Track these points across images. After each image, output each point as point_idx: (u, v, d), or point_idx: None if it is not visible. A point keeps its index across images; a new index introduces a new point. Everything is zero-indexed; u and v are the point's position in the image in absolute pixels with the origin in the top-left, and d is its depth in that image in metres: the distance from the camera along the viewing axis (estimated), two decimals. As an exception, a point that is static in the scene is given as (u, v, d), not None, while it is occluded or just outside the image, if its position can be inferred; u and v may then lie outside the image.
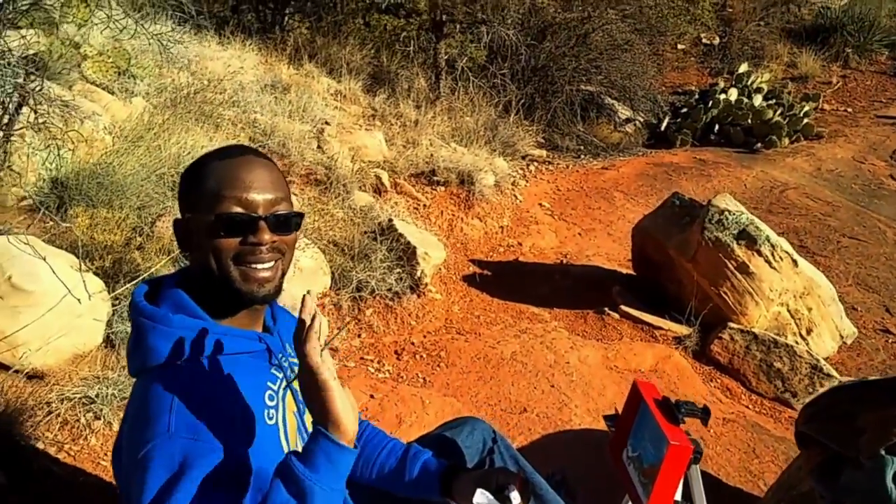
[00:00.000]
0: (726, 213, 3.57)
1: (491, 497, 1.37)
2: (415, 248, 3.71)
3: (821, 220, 6.06)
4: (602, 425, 2.84)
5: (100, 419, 2.20)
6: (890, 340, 4.63)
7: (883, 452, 1.53)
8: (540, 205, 5.53)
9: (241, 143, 1.25)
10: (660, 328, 3.68)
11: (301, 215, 1.25)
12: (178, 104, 3.73)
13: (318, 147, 4.56)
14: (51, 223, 2.44)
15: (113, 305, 2.45)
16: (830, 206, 6.30)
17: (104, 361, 2.40)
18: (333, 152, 4.49)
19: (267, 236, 1.17)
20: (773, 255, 3.53)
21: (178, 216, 1.22)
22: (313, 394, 1.07)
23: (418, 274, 3.64)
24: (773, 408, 3.41)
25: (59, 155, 2.50)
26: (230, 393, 1.16)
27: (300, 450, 1.10)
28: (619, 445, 1.46)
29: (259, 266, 1.18)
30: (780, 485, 1.87)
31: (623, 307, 3.79)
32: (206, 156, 1.22)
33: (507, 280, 4.30)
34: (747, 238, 3.51)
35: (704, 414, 1.31)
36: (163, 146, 3.02)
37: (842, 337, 4.01)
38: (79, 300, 2.27)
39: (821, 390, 3.41)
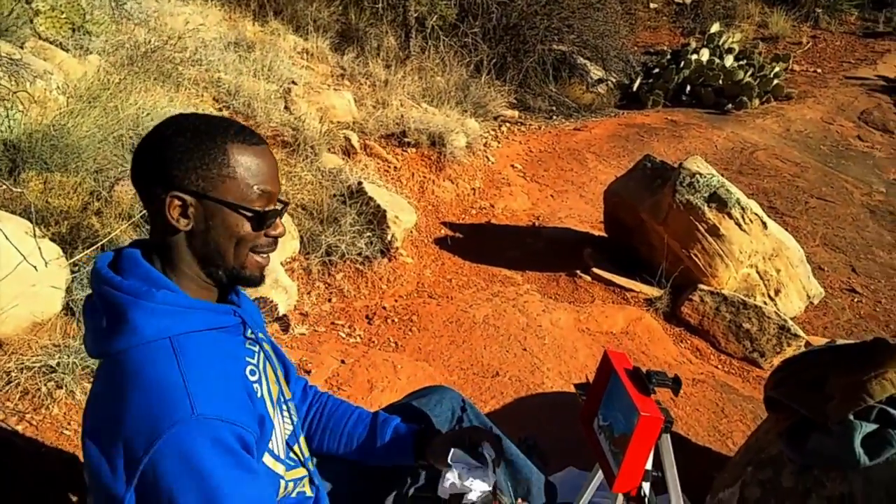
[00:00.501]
0: (697, 175, 3.56)
1: (465, 455, 1.38)
2: (385, 211, 3.65)
3: (789, 182, 6.10)
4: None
5: (62, 388, 2.14)
6: (855, 300, 4.71)
7: (851, 417, 1.54)
8: (512, 166, 5.48)
9: (235, 121, 1.18)
10: (631, 290, 3.69)
11: (287, 204, 1.27)
12: (136, 62, 3.58)
13: (285, 107, 4.44)
14: (3, 188, 2.33)
15: (72, 272, 2.37)
16: (799, 168, 6.35)
17: (64, 329, 2.33)
18: (301, 113, 4.38)
19: (282, 229, 1.22)
20: (743, 217, 3.54)
21: (175, 190, 1.11)
22: None
23: (389, 238, 3.58)
24: (742, 367, 3.45)
25: (9, 116, 2.38)
26: (226, 369, 1.13)
27: (283, 416, 1.22)
28: (590, 414, 1.45)
29: (266, 258, 1.22)
30: (749, 448, 1.89)
31: (595, 270, 3.78)
32: (216, 131, 1.14)
33: (479, 243, 4.27)
34: (718, 201, 3.51)
35: (675, 384, 1.29)
36: (120, 107, 2.90)
37: (809, 297, 4.06)
38: (35, 267, 2.19)
39: (788, 351, 3.46)
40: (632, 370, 1.34)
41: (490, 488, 1.35)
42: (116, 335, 1.08)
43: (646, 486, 1.29)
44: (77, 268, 2.38)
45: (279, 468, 1.22)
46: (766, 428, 1.88)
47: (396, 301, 3.43)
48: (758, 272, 3.75)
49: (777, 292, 3.83)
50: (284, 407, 1.30)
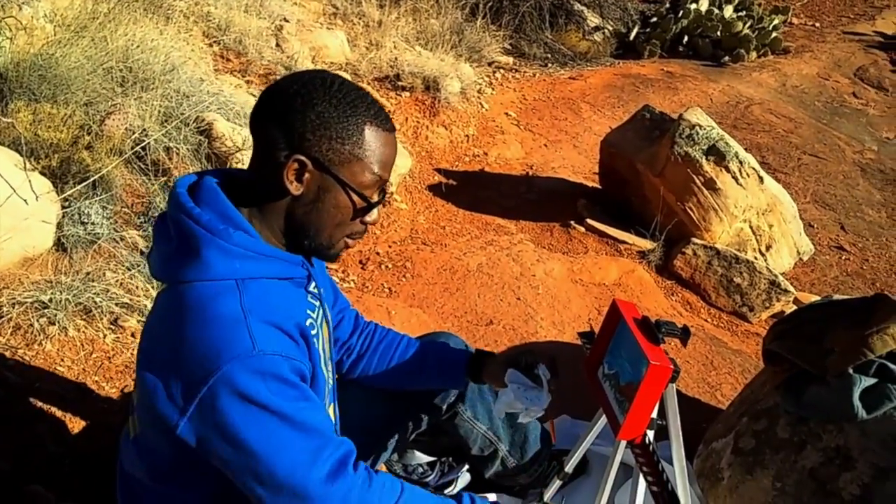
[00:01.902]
0: (697, 127, 3.53)
1: (522, 376, 1.44)
2: (380, 155, 3.59)
3: (783, 137, 6.08)
4: (567, 337, 2.86)
5: (54, 325, 2.11)
6: (843, 257, 4.75)
7: (851, 371, 1.55)
8: (506, 114, 5.40)
9: (375, 99, 1.15)
10: (624, 242, 3.68)
11: None
12: (125, -8, 3.45)
13: (277, 45, 4.32)
14: (-9, 118, 2.26)
15: (63, 207, 2.32)
16: (793, 123, 6.32)
17: (55, 265, 2.29)
18: (293, 51, 4.26)
19: (378, 217, 1.21)
20: (740, 171, 3.52)
21: (301, 154, 1.07)
22: None
23: (383, 182, 3.53)
24: (731, 321, 3.49)
25: (-4, 43, 2.29)
26: (288, 313, 1.12)
27: (329, 372, 1.26)
28: (595, 363, 1.44)
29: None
30: (744, 399, 1.91)
31: (589, 221, 3.77)
32: (360, 107, 1.09)
33: (473, 191, 4.23)
34: (716, 154, 3.48)
35: (684, 334, 1.29)
36: (109, 38, 2.80)
37: (799, 253, 4.09)
38: (25, 201, 2.14)
39: (777, 306, 3.49)
40: (640, 319, 1.33)
41: (544, 408, 1.42)
42: (186, 266, 1.07)
43: (650, 434, 1.30)
44: (68, 203, 2.32)
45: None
46: (761, 380, 1.89)
47: (390, 247, 3.41)
48: (751, 227, 3.75)
49: (768, 248, 3.85)
50: (331, 365, 1.32)
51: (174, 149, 2.74)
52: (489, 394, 1.73)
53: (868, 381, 1.53)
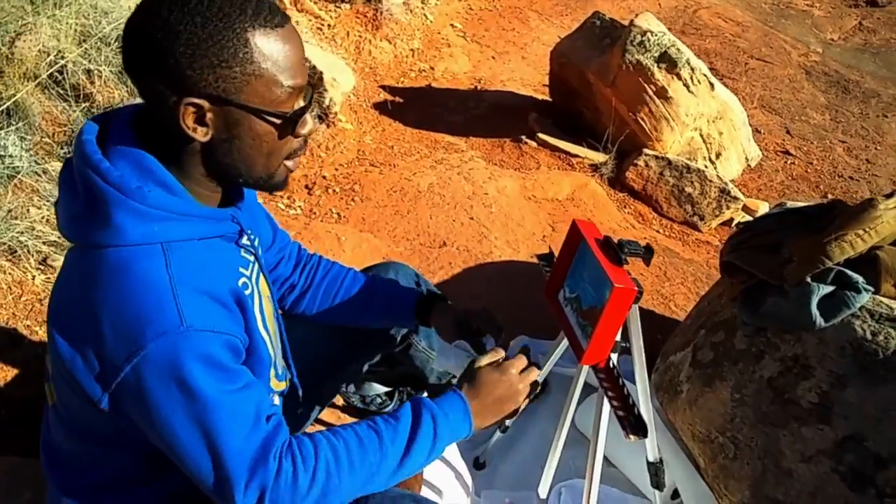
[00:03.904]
0: (649, 34, 3.43)
1: (467, 344, 1.39)
2: (321, 72, 3.41)
3: (731, 42, 6.02)
4: (522, 256, 2.82)
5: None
6: (789, 161, 4.79)
7: (809, 280, 1.54)
8: (451, 25, 5.20)
9: None
10: (577, 156, 3.63)
11: None
12: None
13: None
14: None
15: (-26, 143, 2.13)
16: (741, 27, 6.25)
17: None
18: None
19: (312, 124, 1.04)
20: (691, 78, 3.46)
21: (189, 95, 0.90)
22: (494, 404, 1.15)
23: (327, 102, 3.37)
24: (682, 231, 3.50)
25: None
26: (219, 276, 1.00)
27: (273, 335, 1.14)
28: (556, 286, 1.40)
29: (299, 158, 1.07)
30: (701, 311, 1.91)
31: (540, 135, 3.69)
32: (233, 15, 0.89)
33: (421, 107, 4.08)
34: (668, 61, 3.41)
35: (647, 253, 1.24)
36: (12, -49, 2.52)
37: (747, 160, 4.10)
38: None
39: (726, 214, 3.51)
40: (602, 240, 1.28)
41: None
42: (96, 230, 0.93)
43: (614, 357, 1.27)
44: (-21, 137, 2.14)
45: (280, 386, 1.18)
46: (718, 292, 1.89)
47: (337, 170, 3.28)
48: (701, 135, 3.73)
49: (718, 155, 3.84)
50: (274, 320, 1.20)
51: (95, 71, 2.54)
52: None
53: (826, 289, 1.52)
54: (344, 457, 1.01)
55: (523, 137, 3.72)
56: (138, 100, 0.99)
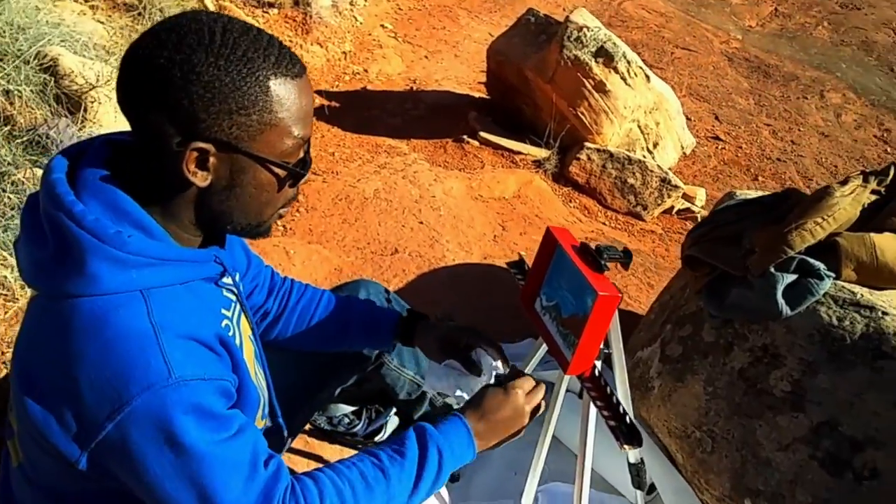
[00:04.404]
0: (585, 29, 3.45)
1: (456, 363, 1.35)
2: (254, 81, 3.30)
3: (656, 32, 6.15)
4: (475, 258, 2.80)
5: None
6: (720, 147, 4.92)
7: (772, 270, 1.56)
8: (382, 26, 5.13)
9: (271, 36, 0.89)
10: (520, 153, 3.63)
11: None
12: None
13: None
14: None
15: None
16: (664, 17, 6.40)
17: None
18: (140, -30, 3.79)
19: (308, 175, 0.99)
20: (628, 71, 3.50)
21: (198, 140, 0.84)
22: (499, 425, 1.12)
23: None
24: (627, 222, 3.55)
25: None
26: (203, 320, 0.93)
27: (257, 377, 1.07)
28: (531, 294, 1.37)
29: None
30: (664, 305, 1.92)
31: (482, 134, 3.67)
32: (257, 59, 0.84)
33: (358, 111, 4.01)
34: (605, 55, 3.43)
35: (626, 257, 1.23)
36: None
37: (682, 148, 4.19)
38: None
39: (668, 202, 3.58)
40: (579, 246, 1.26)
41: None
42: (68, 278, 0.84)
43: (598, 364, 1.25)
44: None
45: (261, 424, 1.11)
46: (679, 285, 1.90)
47: (278, 180, 3.18)
48: (639, 126, 3.78)
49: (655, 145, 3.90)
50: (261, 365, 1.14)
51: (15, 91, 2.38)
52: None
53: (789, 278, 1.54)
54: (350, 501, 0.96)
55: (465, 137, 3.69)
56: (92, 131, 0.91)
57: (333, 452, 1.75)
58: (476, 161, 3.56)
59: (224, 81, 0.82)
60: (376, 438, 1.80)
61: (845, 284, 1.54)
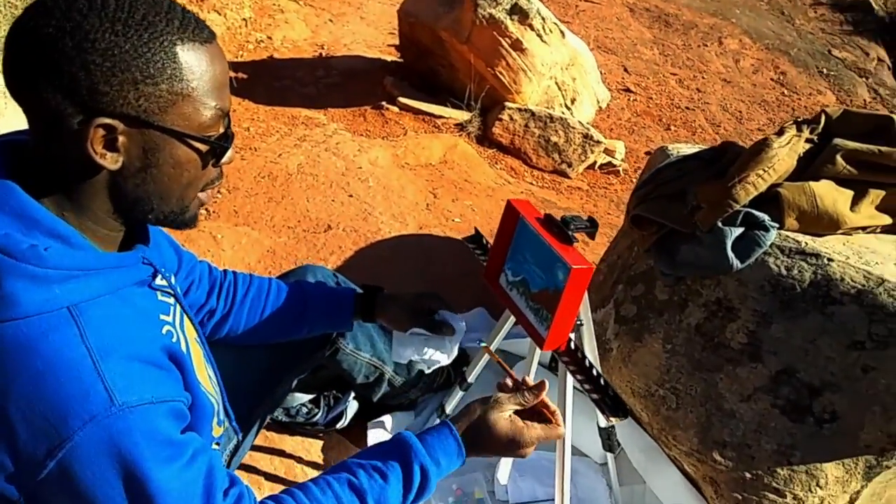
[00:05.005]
0: (498, -14, 3.38)
1: (423, 330, 1.33)
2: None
3: (559, -15, 6.15)
4: (411, 229, 2.74)
5: None
6: (631, 98, 5.01)
7: (720, 224, 1.57)
8: (282, -11, 4.90)
9: (183, 7, 0.80)
10: (441, 117, 3.56)
11: None
12: None
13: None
14: None
15: None
16: (566, -30, 6.39)
17: None
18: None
19: (233, 154, 0.92)
20: (543, 28, 3.47)
21: (102, 116, 0.74)
22: (496, 446, 1.01)
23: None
24: (553, 180, 3.56)
25: None
26: (142, 333, 0.84)
27: (210, 381, 1.00)
28: (495, 270, 1.33)
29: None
30: (612, 266, 1.92)
31: (401, 99, 3.58)
32: (159, 24, 0.75)
33: (268, 82, 3.83)
34: (520, 13, 3.39)
35: (593, 226, 1.20)
36: None
37: (598, 102, 4.23)
38: None
39: (591, 157, 3.61)
40: (543, 218, 1.22)
41: (448, 361, 1.34)
42: None
43: (572, 337, 1.23)
44: None
45: (219, 431, 1.03)
46: (626, 244, 1.91)
47: (193, 161, 3.00)
48: (556, 83, 3.78)
49: (573, 101, 3.92)
50: (211, 369, 1.06)
51: None
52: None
53: (737, 231, 1.57)
54: None
55: (384, 103, 3.60)
56: None
57: (295, 445, 1.69)
58: (398, 128, 3.47)
59: (124, 48, 0.74)
60: (338, 426, 1.74)
61: (789, 234, 1.58)
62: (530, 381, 1.06)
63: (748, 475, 1.47)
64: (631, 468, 1.77)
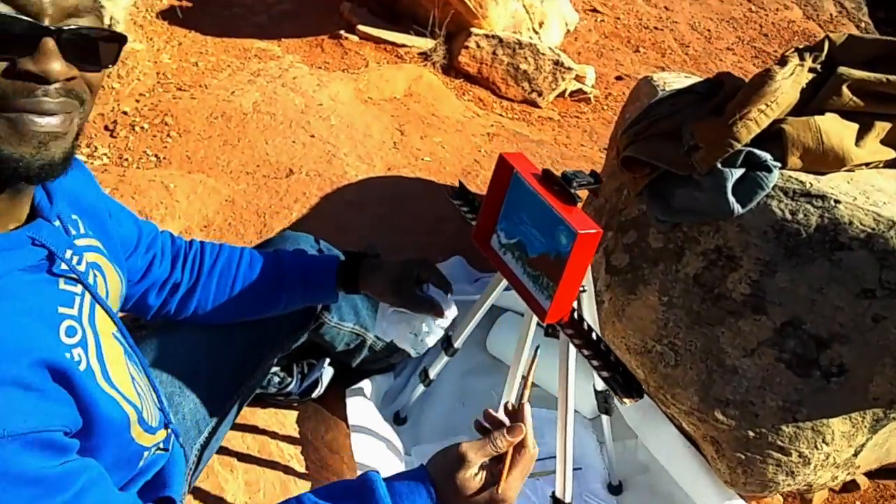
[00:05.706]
0: None
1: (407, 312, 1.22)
2: (88, -15, 2.79)
3: None
4: (378, 170, 2.58)
5: None
6: (598, 19, 4.81)
7: (720, 166, 1.46)
8: None
9: None
10: (404, 45, 3.34)
11: (122, 40, 0.75)
12: None
13: None
14: None
15: None
16: None
17: None
18: None
19: (57, 66, 0.66)
20: (511, -55, 3.24)
21: None
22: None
23: (108, 21, 2.78)
24: (524, 111, 3.40)
25: None
26: (23, 347, 0.67)
27: (133, 384, 0.84)
28: (486, 230, 1.20)
29: (39, 118, 0.66)
30: (598, 210, 1.81)
31: (360, 28, 3.34)
32: None
33: (215, 10, 3.55)
34: (486, -72, 3.15)
35: (596, 180, 1.07)
36: None
37: (567, 24, 4.03)
38: None
39: (562, 85, 3.44)
40: (541, 174, 1.09)
41: (432, 345, 1.24)
42: None
43: (575, 306, 1.12)
44: None
45: (155, 438, 0.87)
46: (614, 186, 1.79)
47: (138, 101, 2.77)
48: (524, 6, 3.58)
49: (541, 24, 3.72)
50: (136, 366, 0.89)
51: None
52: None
53: (737, 173, 1.46)
54: None
55: (342, 32, 3.36)
56: None
57: (268, 418, 1.57)
58: (359, 59, 3.25)
59: None
60: (314, 395, 1.62)
61: (792, 174, 1.47)
62: (516, 408, 0.91)
63: (752, 434, 1.40)
64: (622, 422, 1.70)
